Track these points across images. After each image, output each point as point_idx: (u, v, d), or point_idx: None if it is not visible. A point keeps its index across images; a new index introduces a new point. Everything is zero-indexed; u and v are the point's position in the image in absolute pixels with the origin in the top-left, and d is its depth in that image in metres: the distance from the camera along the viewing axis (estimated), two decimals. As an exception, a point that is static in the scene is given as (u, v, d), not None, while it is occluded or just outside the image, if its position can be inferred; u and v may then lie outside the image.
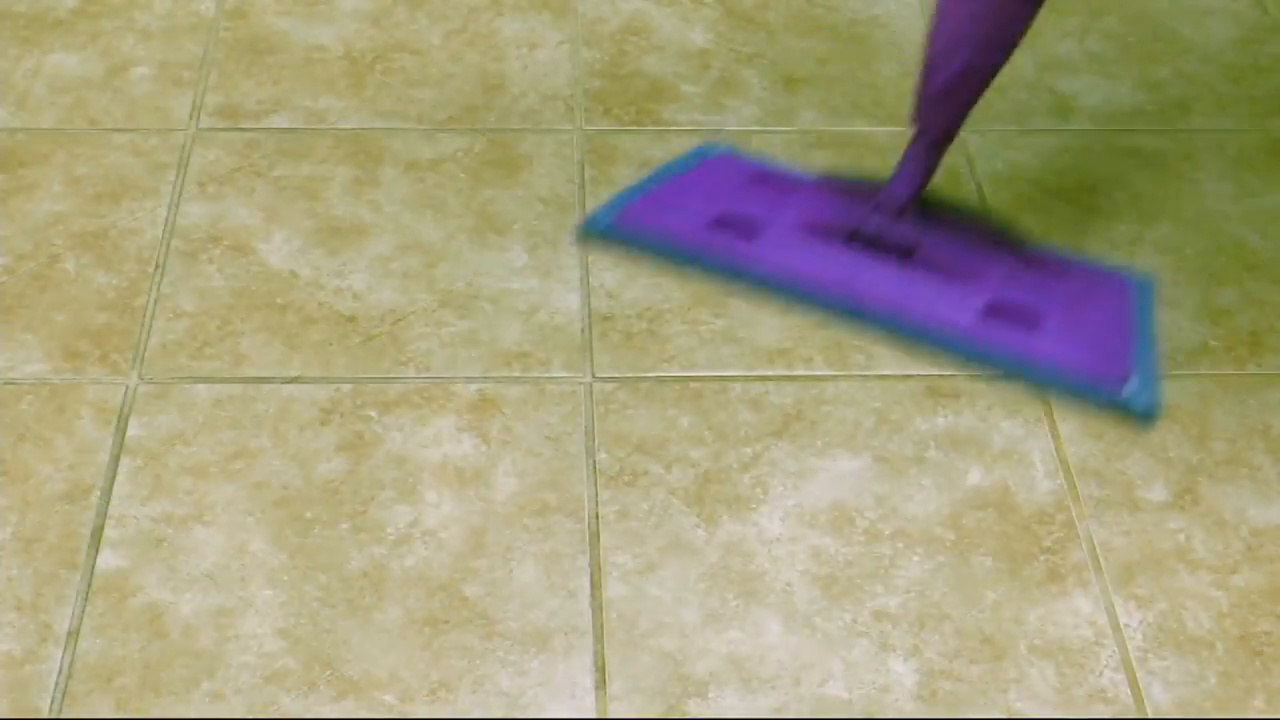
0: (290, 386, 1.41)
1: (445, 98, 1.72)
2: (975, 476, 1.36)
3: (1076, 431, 1.39)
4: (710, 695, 1.20)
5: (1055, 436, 1.39)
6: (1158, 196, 1.63)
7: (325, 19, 1.82)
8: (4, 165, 1.63)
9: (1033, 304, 1.44)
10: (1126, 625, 1.25)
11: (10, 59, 1.76)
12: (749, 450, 1.37)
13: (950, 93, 1.42)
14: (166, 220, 1.57)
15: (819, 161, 1.64)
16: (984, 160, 1.66)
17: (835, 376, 1.43)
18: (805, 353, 1.46)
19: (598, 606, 1.25)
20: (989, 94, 1.73)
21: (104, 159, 1.63)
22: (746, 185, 1.56)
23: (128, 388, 1.41)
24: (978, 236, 1.49)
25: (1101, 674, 1.22)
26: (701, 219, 1.50)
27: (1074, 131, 1.70)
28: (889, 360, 1.45)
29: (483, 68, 1.77)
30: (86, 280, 1.50)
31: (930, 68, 1.43)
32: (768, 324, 1.48)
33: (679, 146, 1.65)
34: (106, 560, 1.27)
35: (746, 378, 1.43)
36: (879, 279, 1.44)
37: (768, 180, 1.57)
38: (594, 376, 1.42)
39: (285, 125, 1.68)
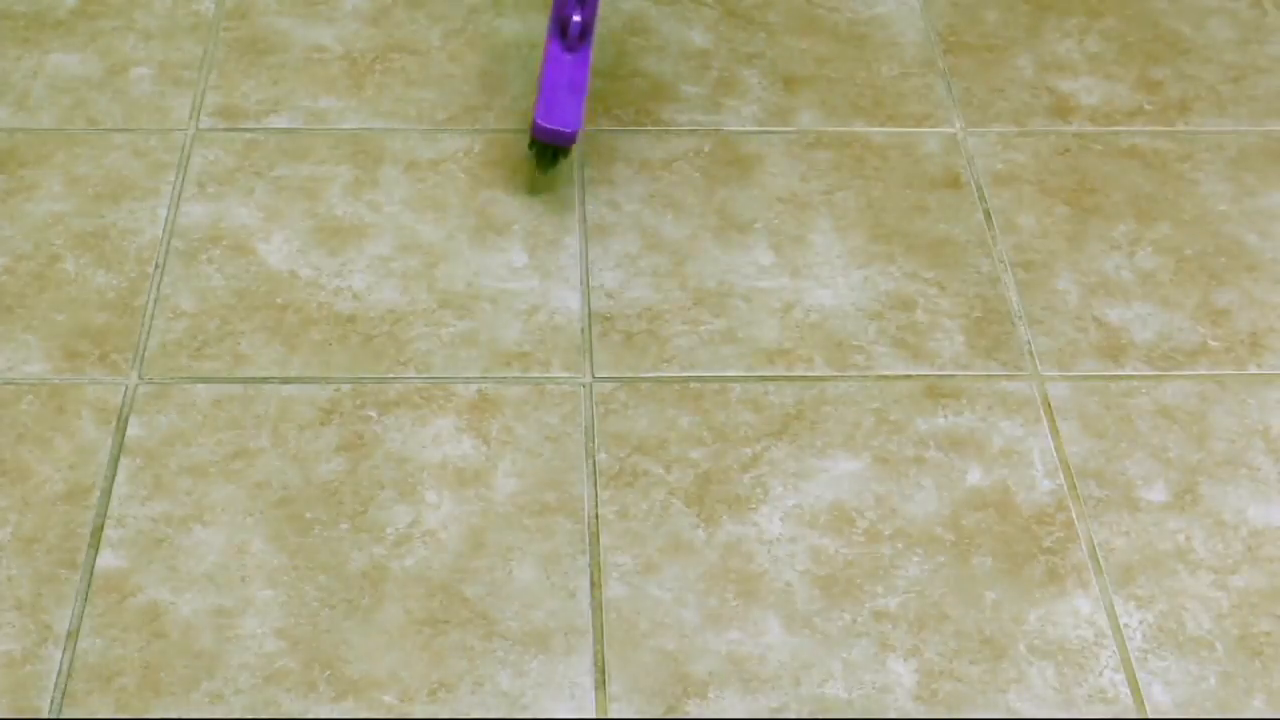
0: (290, 386, 1.41)
1: (445, 98, 1.72)
2: (975, 476, 1.36)
3: (1076, 431, 1.39)
4: (710, 695, 1.20)
5: (1055, 436, 1.39)
6: (1158, 196, 1.63)
7: (325, 19, 1.82)
8: (4, 165, 1.63)
9: None
10: (1126, 625, 1.25)
11: (10, 59, 1.76)
12: (749, 450, 1.37)
13: None
14: (166, 220, 1.57)
15: (819, 161, 1.64)
16: (984, 160, 1.66)
17: (835, 377, 1.43)
18: (805, 353, 1.46)
19: (598, 606, 1.25)
20: (988, 93, 1.72)
21: (104, 159, 1.63)
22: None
23: (128, 388, 1.41)
24: None
25: (1101, 674, 1.22)
26: None
27: (1074, 132, 1.70)
28: (889, 360, 1.45)
29: (483, 68, 1.77)
30: (86, 280, 1.50)
31: None
32: (768, 324, 1.48)
33: (679, 147, 1.65)
34: (106, 560, 1.27)
35: (746, 378, 1.43)
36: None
37: None
38: (594, 377, 1.42)
39: (285, 125, 1.68)
